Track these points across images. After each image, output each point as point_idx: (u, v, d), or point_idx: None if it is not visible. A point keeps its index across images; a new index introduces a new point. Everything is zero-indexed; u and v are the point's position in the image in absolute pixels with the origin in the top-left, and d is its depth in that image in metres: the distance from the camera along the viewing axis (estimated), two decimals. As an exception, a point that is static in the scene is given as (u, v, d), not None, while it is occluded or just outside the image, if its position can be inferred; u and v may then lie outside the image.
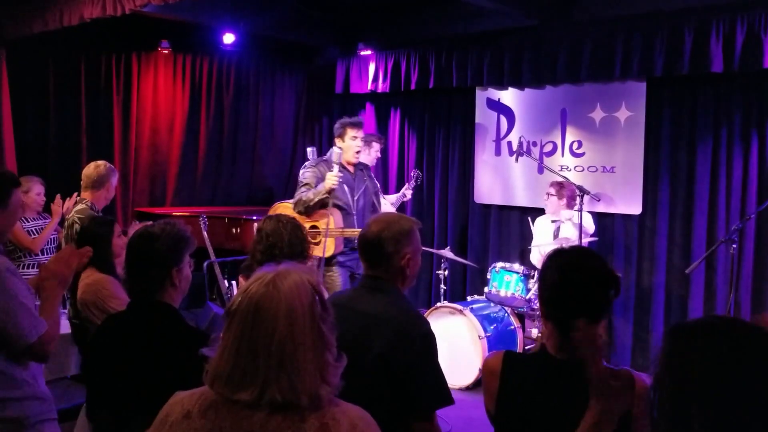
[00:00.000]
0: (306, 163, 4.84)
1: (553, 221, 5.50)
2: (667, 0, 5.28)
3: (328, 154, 4.94)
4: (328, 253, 4.61)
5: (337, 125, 4.91)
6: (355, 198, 4.81)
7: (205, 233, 5.73)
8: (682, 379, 1.24)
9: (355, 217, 4.76)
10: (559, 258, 1.95)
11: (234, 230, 6.13)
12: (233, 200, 7.75)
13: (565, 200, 5.40)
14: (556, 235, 5.40)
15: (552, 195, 5.42)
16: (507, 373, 1.93)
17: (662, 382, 1.27)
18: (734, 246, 4.22)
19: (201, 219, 5.82)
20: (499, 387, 1.92)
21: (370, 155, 6.06)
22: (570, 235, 5.26)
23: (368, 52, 7.12)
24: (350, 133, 4.81)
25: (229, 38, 6.69)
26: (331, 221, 4.49)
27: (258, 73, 7.92)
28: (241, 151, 7.86)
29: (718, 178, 5.31)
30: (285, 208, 4.79)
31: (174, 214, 6.43)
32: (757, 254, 5.12)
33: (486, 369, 1.99)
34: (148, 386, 2.04)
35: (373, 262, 2.35)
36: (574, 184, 5.28)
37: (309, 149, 5.92)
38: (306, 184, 4.68)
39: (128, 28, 6.54)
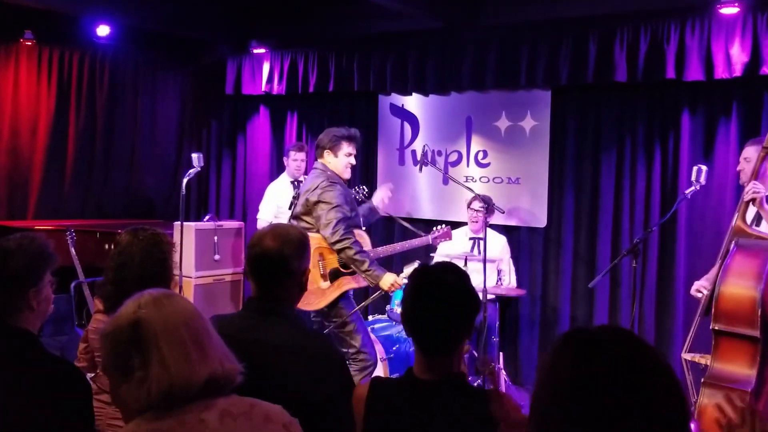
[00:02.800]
0: (321, 182, 4.37)
1: (471, 238, 5.58)
2: (572, 7, 5.51)
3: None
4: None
5: (327, 136, 4.52)
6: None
7: (72, 249, 5.53)
8: (552, 390, 1.16)
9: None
10: (417, 275, 2.00)
11: (107, 246, 5.87)
12: (107, 212, 7.44)
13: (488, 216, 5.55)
14: (474, 250, 5.46)
15: (481, 212, 5.42)
16: (373, 400, 1.97)
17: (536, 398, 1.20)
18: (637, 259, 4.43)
19: (68, 233, 5.61)
20: (365, 414, 1.96)
21: (289, 166, 6.16)
22: (496, 254, 5.42)
23: (262, 51, 7.03)
24: (346, 148, 4.49)
25: (103, 30, 6.50)
26: (367, 243, 4.55)
27: (137, 71, 7.67)
28: (116, 157, 7.57)
29: (622, 190, 5.58)
30: (312, 238, 4.02)
31: (36, 227, 6.16)
32: (660, 266, 5.41)
33: (354, 399, 2.01)
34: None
35: (273, 281, 2.22)
36: (480, 196, 5.40)
37: (194, 155, 5.83)
38: (338, 206, 4.34)
39: (-16, 15, 6.20)
